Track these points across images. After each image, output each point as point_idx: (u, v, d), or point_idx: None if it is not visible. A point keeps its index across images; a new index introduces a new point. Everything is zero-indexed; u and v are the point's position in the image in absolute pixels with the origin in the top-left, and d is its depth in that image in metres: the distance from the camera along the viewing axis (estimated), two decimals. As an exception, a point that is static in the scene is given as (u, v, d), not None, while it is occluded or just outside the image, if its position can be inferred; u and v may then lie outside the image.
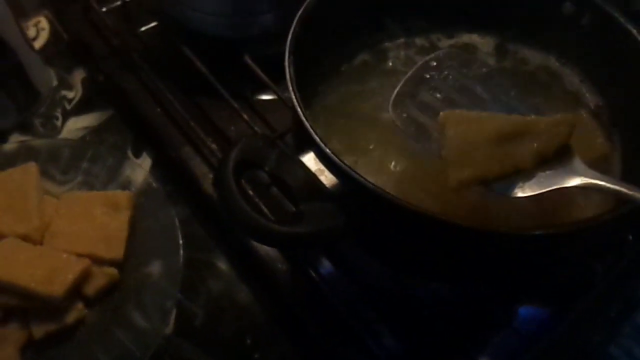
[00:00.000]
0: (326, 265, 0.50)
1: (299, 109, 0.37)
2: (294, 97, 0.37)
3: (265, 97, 0.59)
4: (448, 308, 0.48)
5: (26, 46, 0.57)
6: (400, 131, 0.40)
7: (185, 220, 0.53)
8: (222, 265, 0.52)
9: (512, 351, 0.47)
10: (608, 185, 0.34)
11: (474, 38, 0.53)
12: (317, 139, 0.35)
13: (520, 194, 0.35)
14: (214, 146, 0.53)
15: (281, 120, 0.55)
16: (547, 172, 0.36)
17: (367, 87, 0.48)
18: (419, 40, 0.52)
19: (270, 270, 0.49)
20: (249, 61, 0.57)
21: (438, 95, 0.42)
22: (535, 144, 0.35)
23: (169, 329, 0.48)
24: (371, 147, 0.44)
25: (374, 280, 0.49)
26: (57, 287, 0.46)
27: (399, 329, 0.47)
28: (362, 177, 0.33)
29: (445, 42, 0.52)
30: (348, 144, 0.44)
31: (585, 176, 0.35)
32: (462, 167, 0.36)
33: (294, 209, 0.35)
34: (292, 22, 0.42)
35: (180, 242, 0.50)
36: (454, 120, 0.37)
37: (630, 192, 0.33)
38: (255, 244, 0.50)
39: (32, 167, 0.53)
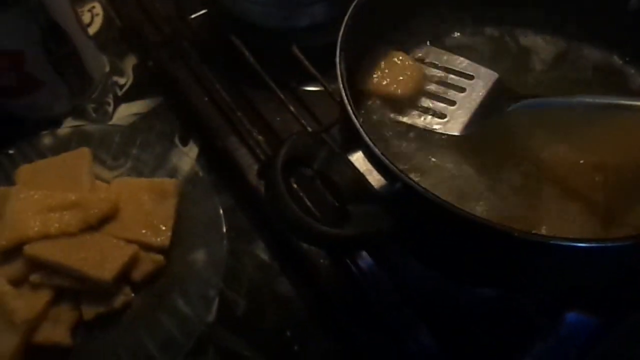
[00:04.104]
0: (367, 261, 0.49)
1: (349, 108, 0.36)
2: (344, 95, 0.36)
3: (311, 88, 0.58)
4: (491, 311, 0.47)
5: (81, 32, 0.58)
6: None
7: (229, 209, 0.54)
8: (264, 256, 0.53)
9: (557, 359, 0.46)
10: None
11: (532, 35, 0.51)
12: (367, 140, 0.34)
13: None
14: (260, 137, 0.54)
15: (327, 112, 0.55)
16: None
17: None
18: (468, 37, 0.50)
19: (312, 264, 0.49)
20: (297, 52, 0.56)
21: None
22: (82, 214, 0.48)
23: (211, 317, 0.49)
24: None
25: (415, 281, 0.48)
26: (107, 271, 0.47)
27: (438, 329, 0.46)
28: (412, 179, 0.33)
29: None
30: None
31: None
32: (6, 232, 0.47)
33: (336, 203, 0.35)
34: (340, 14, 0.41)
35: (224, 231, 0.51)
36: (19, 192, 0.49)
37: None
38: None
39: (85, 152, 0.54)
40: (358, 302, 0.48)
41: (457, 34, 0.50)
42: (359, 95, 0.44)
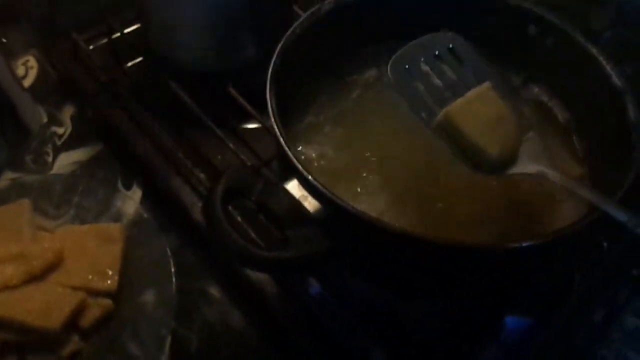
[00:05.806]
0: (316, 287, 0.51)
1: (281, 139, 0.38)
2: (276, 128, 0.39)
3: (250, 125, 0.61)
4: (436, 324, 0.50)
5: (15, 85, 0.59)
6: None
7: (176, 249, 0.54)
8: (215, 291, 0.53)
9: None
10: (561, 182, 0.39)
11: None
12: (299, 167, 0.37)
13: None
14: (202, 176, 0.55)
15: (266, 147, 0.57)
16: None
17: (344, 113, 0.50)
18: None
19: (262, 294, 0.51)
20: (233, 92, 0.59)
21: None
22: (24, 266, 0.48)
23: (164, 357, 0.49)
24: (352, 170, 0.46)
25: (361, 300, 0.50)
26: (54, 320, 0.47)
27: (390, 346, 0.48)
28: (343, 200, 0.35)
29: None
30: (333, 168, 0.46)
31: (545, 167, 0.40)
32: None
33: (276, 230, 0.37)
34: (272, 55, 0.44)
35: (173, 270, 0.52)
36: None
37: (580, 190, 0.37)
38: (246, 269, 0.52)
39: (24, 204, 0.54)
40: (311, 328, 0.50)
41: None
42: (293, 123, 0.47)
